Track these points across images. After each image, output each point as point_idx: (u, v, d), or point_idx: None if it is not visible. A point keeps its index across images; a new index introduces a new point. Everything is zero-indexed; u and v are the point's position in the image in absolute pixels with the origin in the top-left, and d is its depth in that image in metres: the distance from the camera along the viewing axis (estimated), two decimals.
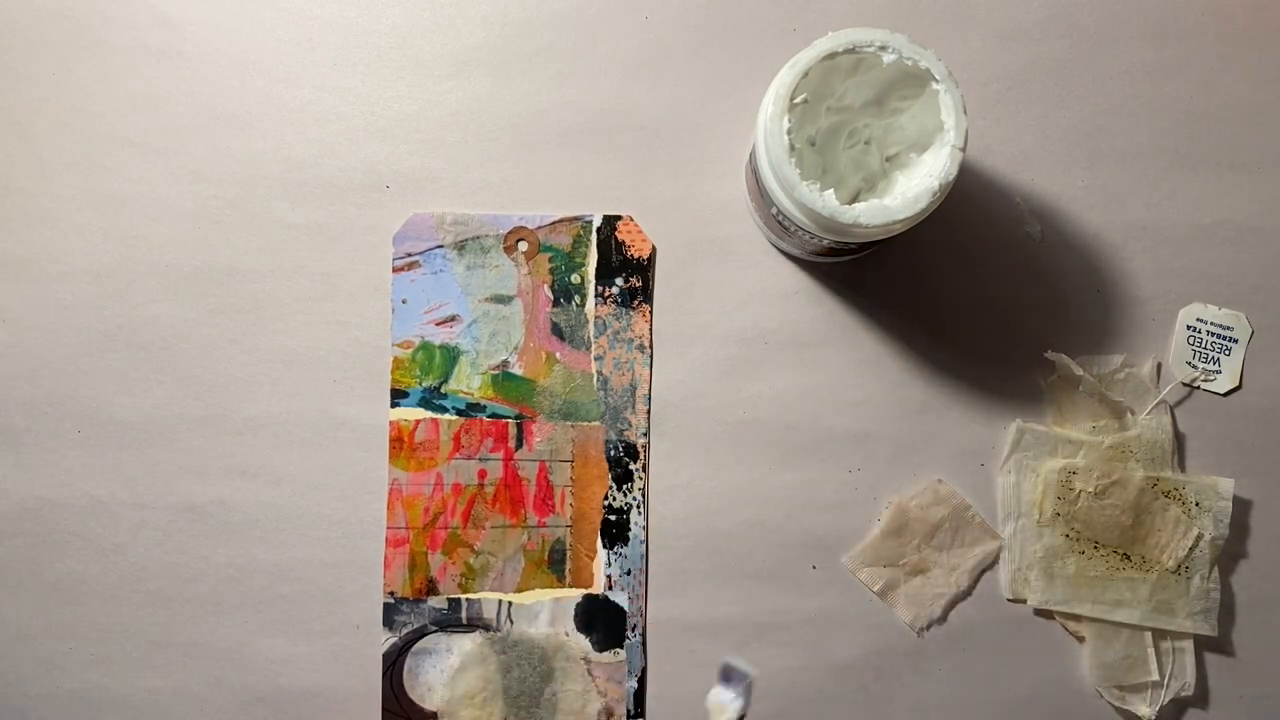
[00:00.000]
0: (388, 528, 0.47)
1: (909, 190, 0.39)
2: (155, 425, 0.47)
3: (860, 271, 0.47)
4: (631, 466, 0.47)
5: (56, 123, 0.48)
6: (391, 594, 0.47)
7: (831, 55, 0.39)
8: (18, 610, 0.47)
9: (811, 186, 0.39)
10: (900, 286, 0.47)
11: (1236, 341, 0.47)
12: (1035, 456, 0.47)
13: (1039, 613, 0.47)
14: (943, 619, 0.47)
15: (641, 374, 0.47)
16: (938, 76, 0.39)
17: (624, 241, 0.47)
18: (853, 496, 0.47)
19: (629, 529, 0.47)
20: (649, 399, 0.47)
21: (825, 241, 0.42)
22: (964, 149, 0.39)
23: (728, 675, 0.38)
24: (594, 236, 0.47)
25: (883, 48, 0.39)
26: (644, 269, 0.47)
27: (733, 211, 0.47)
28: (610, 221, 0.47)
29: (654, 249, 0.47)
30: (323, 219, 0.47)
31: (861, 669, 0.47)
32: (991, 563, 0.47)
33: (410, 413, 0.47)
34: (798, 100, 0.39)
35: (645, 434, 0.47)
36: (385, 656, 0.46)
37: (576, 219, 0.47)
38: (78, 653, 0.47)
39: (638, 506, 0.47)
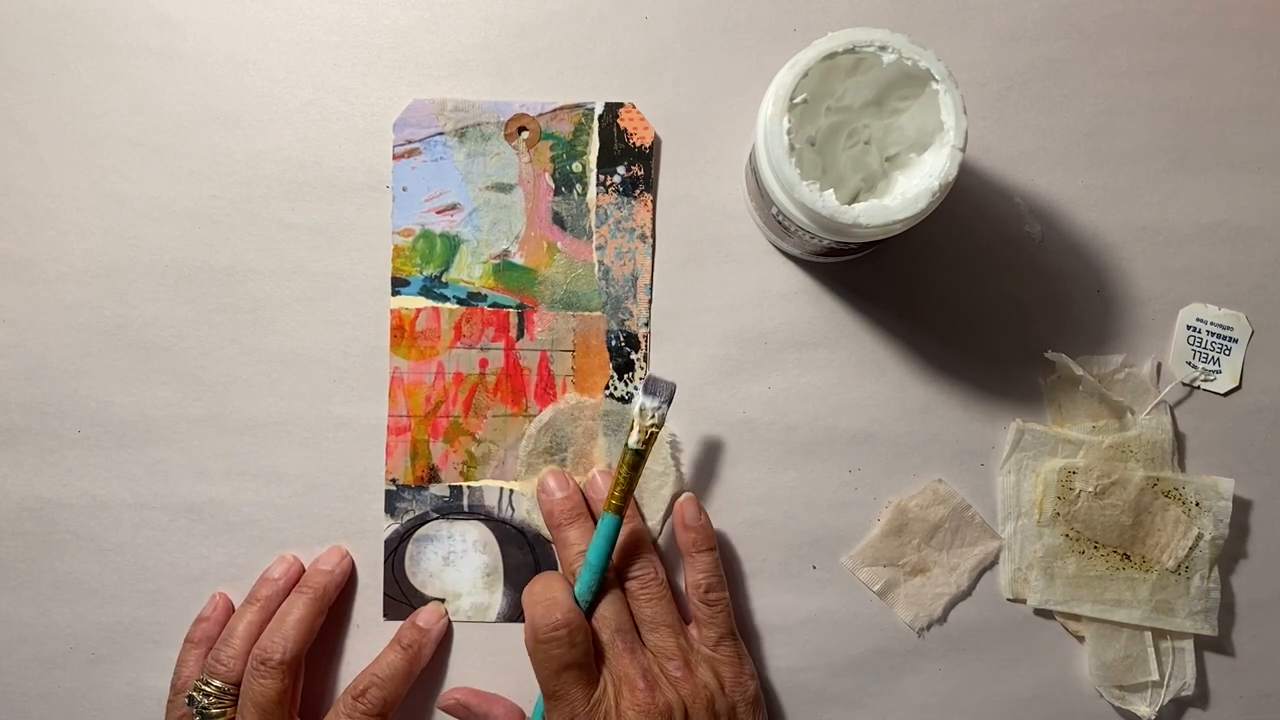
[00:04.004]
0: (389, 416, 0.47)
1: (909, 190, 0.39)
2: (155, 425, 0.47)
3: (860, 271, 0.47)
4: (633, 356, 0.47)
5: (56, 123, 0.48)
6: (393, 481, 0.47)
7: (831, 55, 0.39)
8: (18, 610, 0.47)
9: (811, 186, 0.39)
10: (900, 286, 0.47)
11: (1236, 341, 0.47)
12: (1035, 456, 0.47)
13: (1039, 613, 0.47)
14: (943, 619, 0.47)
15: (643, 264, 0.47)
16: (937, 76, 0.39)
17: (626, 129, 0.47)
18: (853, 496, 0.47)
19: None
20: (650, 289, 0.47)
21: (825, 241, 0.42)
22: (964, 149, 0.39)
23: (652, 386, 0.42)
24: (596, 124, 0.47)
25: (882, 48, 0.39)
26: (646, 158, 0.47)
27: (733, 211, 0.47)
28: (612, 109, 0.47)
29: (656, 137, 0.47)
30: (323, 219, 0.47)
31: (861, 669, 0.47)
32: (991, 563, 0.47)
33: (411, 301, 0.47)
34: (798, 100, 0.39)
35: (646, 324, 0.47)
36: (387, 543, 0.47)
37: (578, 106, 0.47)
38: (78, 653, 0.47)
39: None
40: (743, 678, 0.43)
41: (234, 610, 0.46)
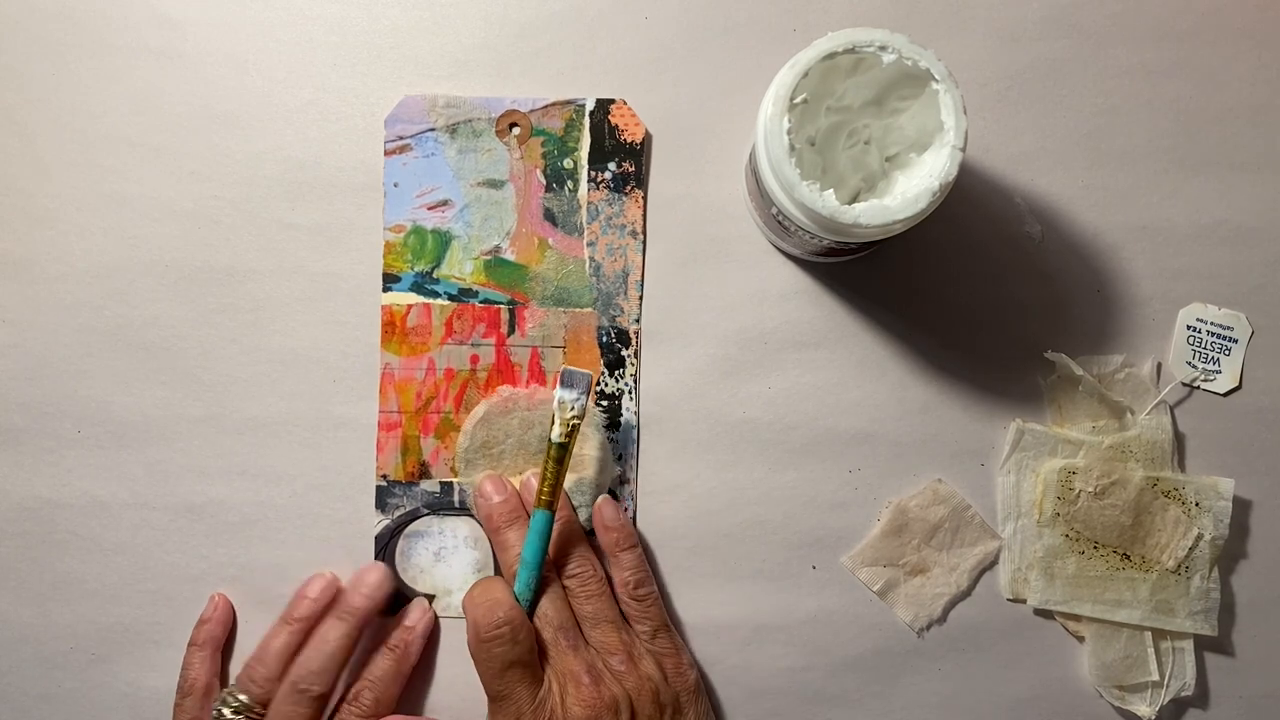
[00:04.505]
0: (380, 411, 0.47)
1: (909, 190, 0.39)
2: (155, 425, 0.47)
3: (860, 271, 0.47)
4: (623, 352, 0.47)
5: (56, 123, 0.48)
6: (384, 477, 0.47)
7: (831, 55, 0.39)
8: (18, 610, 0.47)
9: (811, 186, 0.39)
10: (900, 286, 0.47)
11: (1236, 341, 0.47)
12: (1035, 456, 0.47)
13: (1039, 613, 0.47)
14: (942, 619, 0.47)
15: (634, 260, 0.47)
16: (937, 76, 0.39)
17: (617, 126, 0.47)
18: (853, 496, 0.47)
19: (621, 414, 0.47)
20: (641, 285, 0.47)
21: (825, 241, 0.42)
22: (964, 149, 0.39)
23: (569, 379, 0.43)
24: (587, 120, 0.47)
25: (882, 48, 0.39)
26: (637, 154, 0.47)
27: (733, 211, 0.47)
28: (603, 105, 0.47)
29: (647, 133, 0.47)
30: (323, 219, 0.47)
31: (861, 669, 0.47)
32: (991, 563, 0.47)
33: (402, 297, 0.47)
34: (798, 100, 0.39)
35: (637, 320, 0.47)
36: (377, 539, 0.47)
37: (569, 102, 0.47)
38: (78, 653, 0.47)
39: (629, 392, 0.47)
40: (682, 667, 0.44)
41: (234, 610, 0.46)
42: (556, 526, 0.44)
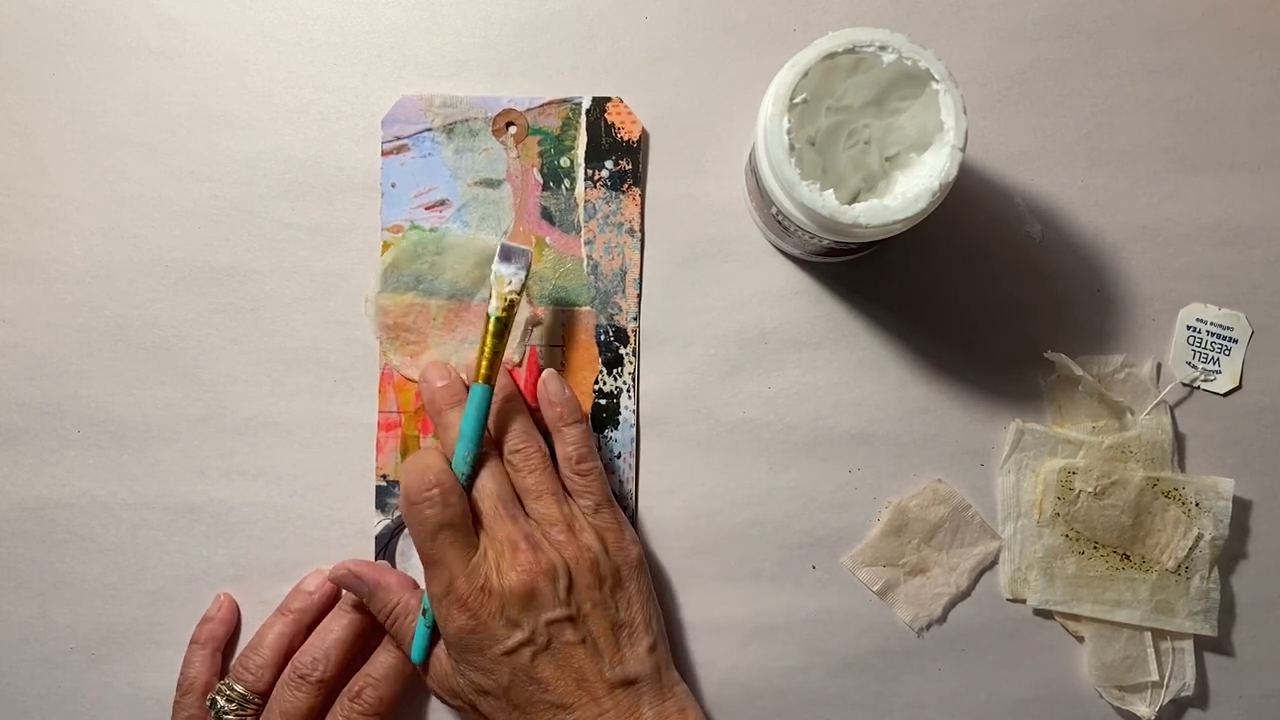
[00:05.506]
0: (380, 412, 0.47)
1: (909, 190, 0.39)
2: (155, 425, 0.47)
3: (860, 271, 0.47)
4: (622, 351, 0.47)
5: (56, 123, 0.48)
6: (384, 477, 0.47)
7: (831, 55, 0.39)
8: (18, 610, 0.47)
9: (811, 186, 0.39)
10: (900, 286, 0.47)
11: (1236, 341, 0.47)
12: (1035, 456, 0.47)
13: (1039, 613, 0.47)
14: (942, 619, 0.47)
15: (631, 258, 0.47)
16: (937, 76, 0.39)
17: (613, 124, 0.47)
18: (853, 496, 0.47)
19: (619, 413, 0.47)
20: (639, 283, 0.47)
21: (825, 241, 0.42)
22: (964, 149, 0.39)
23: (507, 253, 0.43)
24: (583, 119, 0.47)
25: (883, 48, 0.39)
26: (634, 151, 0.47)
27: (733, 211, 0.47)
28: (599, 103, 0.47)
29: (644, 131, 0.47)
30: (323, 219, 0.47)
31: (861, 669, 0.47)
32: (991, 563, 0.47)
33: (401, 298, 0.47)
34: (798, 100, 0.39)
35: (635, 318, 0.47)
36: (378, 539, 0.47)
37: (566, 101, 0.47)
38: (78, 653, 0.47)
39: (628, 390, 0.47)
40: (624, 542, 0.43)
41: (238, 611, 0.46)
42: (496, 401, 0.43)
